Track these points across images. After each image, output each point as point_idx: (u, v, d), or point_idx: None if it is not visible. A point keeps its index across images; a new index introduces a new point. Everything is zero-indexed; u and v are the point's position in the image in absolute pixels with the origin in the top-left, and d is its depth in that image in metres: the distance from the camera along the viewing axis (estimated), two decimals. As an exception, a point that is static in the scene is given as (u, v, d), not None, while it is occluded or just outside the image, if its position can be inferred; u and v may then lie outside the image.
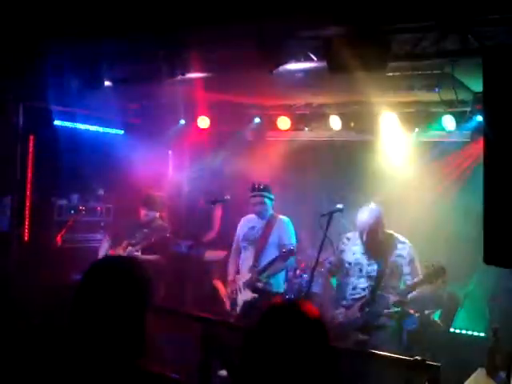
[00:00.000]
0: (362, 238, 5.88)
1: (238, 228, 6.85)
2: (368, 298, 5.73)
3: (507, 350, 4.09)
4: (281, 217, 6.70)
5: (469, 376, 4.38)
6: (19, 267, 7.46)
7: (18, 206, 8.06)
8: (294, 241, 6.62)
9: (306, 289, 5.66)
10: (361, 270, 5.89)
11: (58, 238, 8.39)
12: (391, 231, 5.94)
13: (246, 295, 6.37)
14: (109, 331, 2.02)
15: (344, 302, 5.89)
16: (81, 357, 1.99)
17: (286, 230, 6.63)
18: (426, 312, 7.32)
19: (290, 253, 6.38)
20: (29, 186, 8.29)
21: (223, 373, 5.57)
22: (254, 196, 6.57)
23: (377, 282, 5.73)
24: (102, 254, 7.38)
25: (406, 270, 5.73)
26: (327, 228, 5.60)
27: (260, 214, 6.61)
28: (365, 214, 5.86)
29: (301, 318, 1.86)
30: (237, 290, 6.43)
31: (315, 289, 7.35)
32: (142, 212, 7.36)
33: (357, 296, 5.84)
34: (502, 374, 4.09)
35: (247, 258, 6.56)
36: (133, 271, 2.17)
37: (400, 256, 5.77)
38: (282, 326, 1.84)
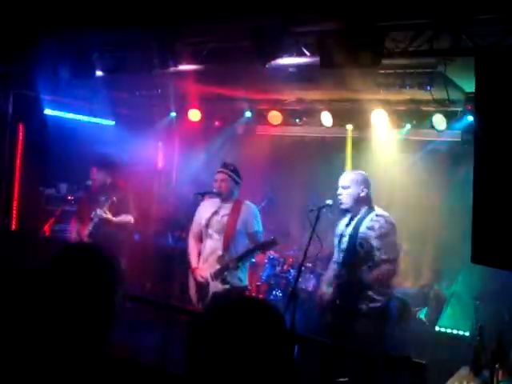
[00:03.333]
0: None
1: (199, 212, 6.36)
2: (338, 275, 5.42)
3: (492, 349, 4.11)
4: (246, 202, 6.28)
5: (453, 374, 4.40)
6: (5, 256, 7.42)
7: (6, 194, 8.03)
8: (260, 228, 6.23)
9: (294, 284, 5.59)
10: (339, 242, 5.59)
11: (46, 228, 8.35)
12: (374, 204, 5.55)
13: (214, 286, 5.99)
14: (75, 316, 2.02)
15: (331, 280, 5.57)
16: (47, 343, 1.98)
17: (253, 216, 6.21)
18: (412, 310, 7.37)
19: (274, 243, 6.11)
20: (17, 174, 8.25)
21: None
22: (219, 172, 6.17)
23: (345, 256, 5.41)
24: (73, 236, 7.29)
25: (375, 243, 5.27)
26: (315, 223, 5.56)
27: (222, 195, 6.15)
28: (342, 178, 5.58)
29: (257, 308, 1.88)
30: (205, 279, 6.01)
31: (303, 284, 7.37)
32: (96, 176, 7.23)
33: (336, 272, 5.54)
34: (486, 373, 4.11)
35: (214, 247, 6.11)
36: (99, 256, 2.16)
37: (371, 228, 5.35)
38: (236, 318, 1.84)
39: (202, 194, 6.47)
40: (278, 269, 8.11)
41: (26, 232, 8.16)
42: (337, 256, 5.60)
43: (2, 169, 7.95)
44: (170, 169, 10.44)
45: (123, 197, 7.08)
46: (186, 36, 5.89)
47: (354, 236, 5.40)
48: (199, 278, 6.05)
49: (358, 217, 5.48)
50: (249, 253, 6.08)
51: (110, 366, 2.05)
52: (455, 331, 6.97)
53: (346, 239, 5.48)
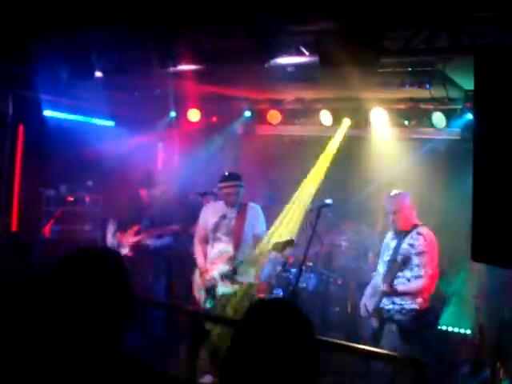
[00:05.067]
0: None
1: (204, 216, 6.50)
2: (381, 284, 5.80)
3: (493, 347, 4.11)
4: (252, 204, 6.47)
5: (454, 372, 4.41)
6: (5, 257, 7.41)
7: (6, 195, 8.02)
8: (265, 229, 6.47)
9: (294, 283, 5.61)
10: (384, 254, 6.01)
11: (46, 229, 8.35)
12: (418, 221, 5.98)
13: (224, 286, 6.15)
14: (82, 325, 2.01)
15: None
16: (55, 349, 1.98)
17: (259, 218, 6.42)
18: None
19: (290, 244, 6.25)
20: (17, 175, 8.25)
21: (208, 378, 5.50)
22: (230, 186, 6.29)
23: (388, 270, 5.81)
24: (109, 240, 7.45)
25: (415, 260, 5.71)
26: (316, 223, 5.59)
27: (232, 204, 6.32)
28: (388, 200, 6.02)
29: (289, 313, 1.88)
30: (213, 280, 6.19)
31: (303, 283, 7.36)
32: (143, 193, 7.42)
33: (378, 282, 5.92)
34: (487, 371, 4.12)
35: (224, 249, 6.27)
36: (108, 264, 2.15)
37: (411, 246, 5.78)
38: (270, 321, 1.84)
39: (202, 195, 6.49)
40: (279, 268, 8.10)
41: (27, 233, 8.16)
42: (380, 267, 5.99)
43: (2, 170, 7.95)
44: (170, 169, 10.43)
45: (164, 217, 7.35)
46: (185, 36, 5.89)
47: (396, 250, 5.84)
48: (207, 278, 6.17)
49: (403, 232, 5.90)
50: (254, 259, 6.24)
51: (117, 369, 2.05)
52: (456, 330, 6.96)
53: (390, 252, 5.90)
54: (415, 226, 5.88)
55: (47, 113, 8.56)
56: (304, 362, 1.80)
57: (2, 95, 7.87)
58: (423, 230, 5.84)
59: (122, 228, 7.38)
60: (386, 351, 4.79)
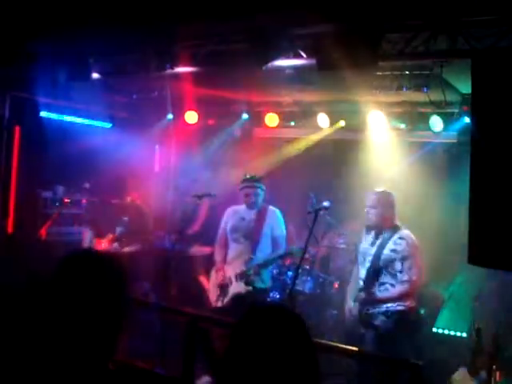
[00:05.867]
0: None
1: (225, 218, 6.70)
2: (362, 290, 5.73)
3: (489, 350, 4.12)
4: (271, 208, 6.61)
5: (450, 375, 4.41)
6: (2, 259, 7.40)
7: (3, 197, 8.00)
8: (284, 232, 6.59)
9: (291, 286, 5.62)
10: (364, 260, 5.85)
11: (43, 231, 8.33)
12: (398, 223, 5.81)
13: (237, 287, 6.29)
14: (82, 326, 2.00)
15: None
16: (54, 349, 1.98)
17: (278, 221, 6.57)
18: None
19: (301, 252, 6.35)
20: (14, 177, 8.22)
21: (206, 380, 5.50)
22: (249, 187, 6.46)
23: (370, 277, 5.68)
24: (86, 244, 7.46)
25: (398, 266, 5.58)
26: (313, 225, 5.59)
27: (252, 205, 6.48)
28: (368, 194, 5.87)
29: (285, 317, 1.88)
30: (227, 279, 6.35)
31: (300, 286, 7.36)
32: (116, 197, 7.46)
33: (360, 287, 5.82)
34: (483, 374, 4.12)
35: (241, 250, 6.42)
36: (108, 266, 2.15)
37: (394, 251, 5.62)
38: (267, 324, 1.84)
39: (200, 197, 6.52)
40: (276, 271, 8.10)
41: (23, 235, 8.14)
42: (361, 273, 5.83)
43: (-1, 172, 7.94)
44: (168, 171, 10.42)
45: (141, 225, 7.48)
46: (183, 38, 5.89)
47: (377, 257, 5.67)
48: (221, 277, 6.36)
49: (383, 236, 5.73)
50: (271, 261, 6.34)
51: (115, 371, 2.05)
52: (453, 332, 6.96)
53: (370, 258, 5.73)
54: (395, 228, 5.74)
55: (44, 114, 8.55)
56: (302, 365, 1.80)
57: (-1, 97, 7.86)
58: (405, 233, 5.70)
59: (99, 234, 7.39)
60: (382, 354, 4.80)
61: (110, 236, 7.29)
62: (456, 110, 7.23)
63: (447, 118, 7.36)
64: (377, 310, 5.60)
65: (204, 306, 6.61)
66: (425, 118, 7.52)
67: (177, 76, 6.48)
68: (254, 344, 1.79)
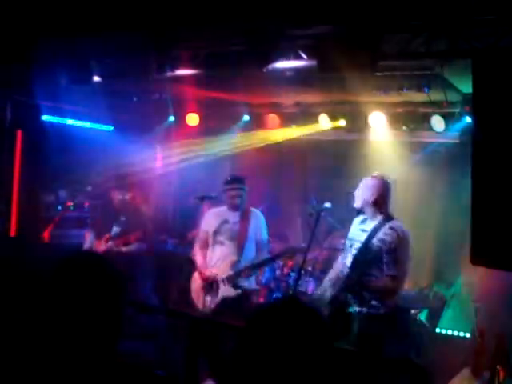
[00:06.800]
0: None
1: (206, 221, 6.50)
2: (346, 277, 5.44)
3: (492, 351, 4.11)
4: (253, 209, 6.50)
5: (454, 376, 4.41)
6: (4, 262, 7.41)
7: (5, 201, 8.01)
8: (267, 236, 6.46)
9: (293, 287, 5.60)
10: (351, 246, 5.54)
11: (46, 234, 8.34)
12: (390, 214, 5.48)
13: (226, 291, 6.15)
14: (79, 328, 2.01)
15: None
16: (55, 352, 1.98)
17: (262, 223, 6.46)
18: (413, 312, 7.36)
19: (295, 251, 6.31)
20: (16, 181, 8.23)
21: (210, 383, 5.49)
22: (234, 189, 6.30)
23: (356, 266, 5.40)
24: (87, 245, 7.41)
25: (385, 258, 5.25)
26: (315, 227, 5.58)
27: (236, 207, 6.33)
28: (362, 185, 5.53)
29: (303, 316, 1.82)
30: (214, 282, 6.18)
31: (302, 287, 7.36)
32: (115, 195, 7.39)
33: (343, 274, 5.54)
34: (487, 375, 4.12)
35: (227, 253, 6.25)
36: (103, 269, 2.15)
37: (382, 242, 5.30)
38: (282, 324, 1.78)
39: (201, 199, 6.51)
40: (278, 272, 8.10)
41: (26, 238, 8.15)
42: (346, 259, 5.55)
43: (1, 175, 7.94)
44: (169, 174, 10.42)
45: (139, 225, 7.30)
46: (184, 41, 5.90)
47: (366, 246, 5.37)
48: (208, 274, 6.19)
49: (374, 225, 5.42)
50: (264, 263, 6.24)
51: (113, 372, 2.05)
52: (456, 333, 6.96)
53: (357, 245, 5.45)
54: (388, 218, 5.42)
55: (46, 118, 8.56)
56: (317, 368, 1.74)
57: (1, 101, 7.86)
58: (396, 224, 5.36)
59: (98, 235, 7.37)
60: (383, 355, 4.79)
61: (107, 236, 7.22)
62: (457, 110, 7.22)
63: (448, 118, 7.35)
64: (358, 308, 5.34)
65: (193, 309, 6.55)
66: (426, 118, 7.51)
67: (178, 78, 6.48)
68: (268, 344, 1.73)
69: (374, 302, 5.29)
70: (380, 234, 5.32)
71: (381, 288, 5.28)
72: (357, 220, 5.61)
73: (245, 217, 6.35)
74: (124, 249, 7.14)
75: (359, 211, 5.59)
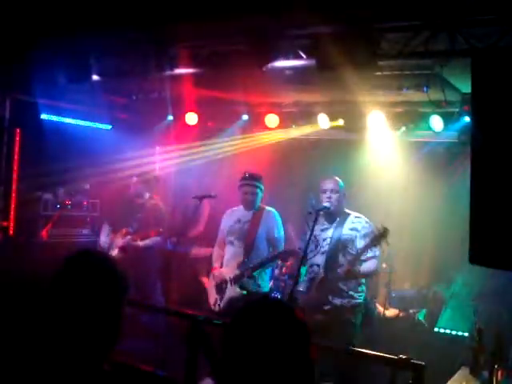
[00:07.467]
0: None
1: (223, 221, 6.59)
2: (319, 275, 5.73)
3: (491, 350, 4.11)
4: (268, 208, 6.44)
5: (452, 375, 4.40)
6: (3, 261, 7.40)
7: (4, 199, 8.00)
8: (282, 233, 6.40)
9: (292, 287, 5.60)
10: (316, 246, 5.81)
11: (44, 233, 8.34)
12: (348, 210, 5.92)
13: (232, 291, 6.18)
14: (82, 325, 2.01)
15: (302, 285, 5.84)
16: (54, 350, 1.98)
17: (275, 222, 6.38)
18: (411, 311, 7.37)
19: (292, 254, 6.30)
20: (14, 179, 8.22)
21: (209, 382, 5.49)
22: (247, 185, 6.30)
23: (327, 258, 5.70)
24: (103, 239, 7.72)
25: (361, 243, 5.60)
26: (313, 226, 5.59)
27: (249, 205, 6.32)
28: (329, 182, 5.87)
29: (281, 314, 1.85)
30: (223, 282, 6.23)
31: (301, 287, 7.35)
32: (136, 191, 7.76)
33: (312, 275, 5.83)
34: (485, 374, 4.12)
35: (235, 253, 6.28)
36: (106, 267, 2.15)
37: (354, 229, 5.71)
38: (259, 321, 1.82)
39: (200, 198, 6.50)
40: (277, 272, 8.10)
41: (24, 237, 8.14)
42: (315, 259, 5.81)
43: (0, 174, 7.93)
44: (168, 173, 10.42)
45: (156, 221, 7.56)
46: (183, 39, 5.89)
47: (338, 238, 5.71)
48: (217, 278, 6.27)
49: (338, 220, 5.80)
50: (264, 263, 6.21)
51: (111, 372, 2.05)
52: (454, 332, 6.97)
53: (326, 242, 5.76)
54: (347, 213, 5.85)
55: (44, 116, 8.56)
56: (300, 362, 1.78)
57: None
58: (358, 214, 5.84)
59: (116, 229, 7.56)
60: (383, 354, 4.78)
61: (124, 231, 7.49)
62: (456, 110, 7.21)
63: (448, 118, 7.35)
64: (340, 300, 5.64)
65: (205, 308, 6.58)
66: (425, 117, 7.51)
67: (177, 77, 6.48)
68: (247, 342, 1.77)
69: (351, 292, 5.67)
70: (348, 225, 5.74)
71: (365, 271, 5.62)
72: (311, 220, 5.76)
73: (256, 216, 6.34)
74: (141, 243, 7.27)
75: (331, 214, 5.84)
